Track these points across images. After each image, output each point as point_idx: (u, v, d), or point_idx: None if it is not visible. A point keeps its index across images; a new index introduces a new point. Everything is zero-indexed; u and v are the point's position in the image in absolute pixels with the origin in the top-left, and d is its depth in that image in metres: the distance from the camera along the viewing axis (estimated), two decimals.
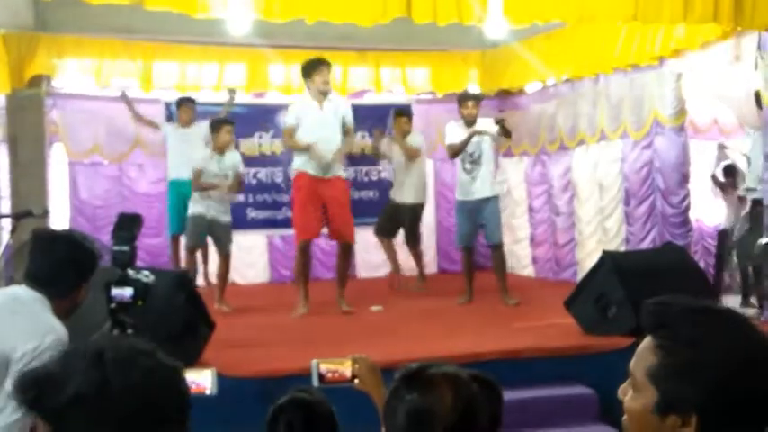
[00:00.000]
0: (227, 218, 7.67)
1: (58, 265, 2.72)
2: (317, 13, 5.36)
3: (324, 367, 2.48)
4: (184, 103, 8.50)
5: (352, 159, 9.38)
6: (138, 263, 3.38)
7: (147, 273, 3.11)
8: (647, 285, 5.27)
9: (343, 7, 5.36)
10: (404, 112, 8.85)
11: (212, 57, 8.85)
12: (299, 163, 6.97)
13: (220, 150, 7.56)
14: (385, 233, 8.89)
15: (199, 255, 7.98)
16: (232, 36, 7.09)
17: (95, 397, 1.30)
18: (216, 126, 7.64)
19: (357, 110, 8.87)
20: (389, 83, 9.51)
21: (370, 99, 9.76)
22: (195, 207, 7.57)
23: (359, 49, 9.10)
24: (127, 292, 3.01)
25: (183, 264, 7.90)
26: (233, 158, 7.70)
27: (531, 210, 9.72)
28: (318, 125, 6.83)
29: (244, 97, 9.30)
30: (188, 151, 8.08)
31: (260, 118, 9.55)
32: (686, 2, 5.78)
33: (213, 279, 8.17)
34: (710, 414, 1.35)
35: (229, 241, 7.71)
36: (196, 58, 8.82)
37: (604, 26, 7.43)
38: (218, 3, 5.14)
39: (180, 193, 8.10)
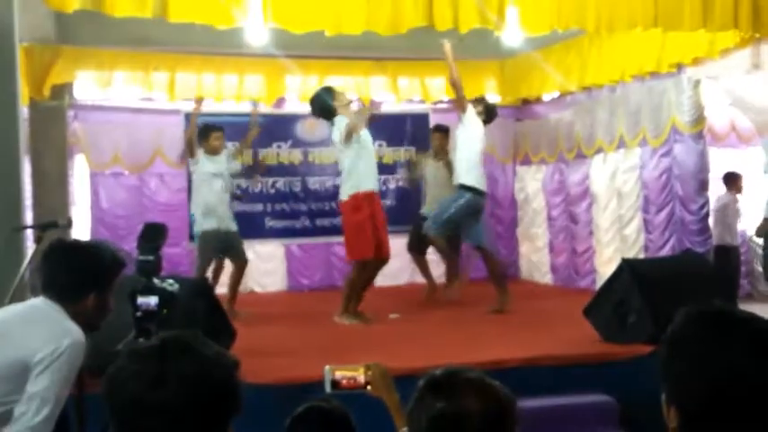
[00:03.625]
0: (235, 226, 7.64)
1: (61, 272, 2.79)
2: (336, 26, 5.41)
3: (338, 374, 2.50)
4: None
5: None
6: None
7: (171, 281, 3.16)
8: (666, 293, 5.26)
9: (363, 18, 5.40)
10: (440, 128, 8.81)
11: (231, 67, 8.91)
12: (357, 182, 6.85)
13: (213, 152, 7.56)
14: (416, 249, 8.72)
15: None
16: (251, 47, 7.14)
17: (153, 389, 1.39)
18: (204, 132, 7.59)
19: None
20: (408, 92, 9.54)
21: (387, 108, 9.79)
22: (208, 222, 7.39)
23: (377, 59, 9.14)
24: (152, 300, 3.05)
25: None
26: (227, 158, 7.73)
27: (549, 218, 9.71)
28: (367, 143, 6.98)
29: (262, 108, 9.36)
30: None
31: (278, 128, 9.61)
32: (706, 9, 5.79)
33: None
34: (683, 408, 1.45)
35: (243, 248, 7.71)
36: (215, 69, 8.88)
37: (622, 34, 7.43)
38: (241, 14, 5.20)
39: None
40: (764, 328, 1.47)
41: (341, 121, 6.90)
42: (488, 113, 7.56)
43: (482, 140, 7.38)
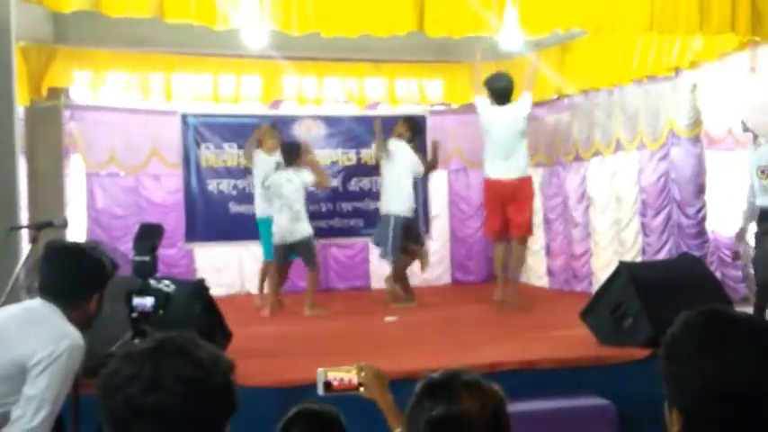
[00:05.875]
0: None
1: (65, 276, 2.78)
2: (332, 28, 5.40)
3: (330, 375, 2.50)
4: (273, 127, 8.30)
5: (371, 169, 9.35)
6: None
7: (167, 282, 3.14)
8: (663, 296, 5.24)
9: (359, 21, 5.39)
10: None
11: (229, 68, 8.90)
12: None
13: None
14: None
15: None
16: (248, 48, 7.13)
17: (149, 391, 1.37)
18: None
19: (370, 120, 8.90)
20: (404, 94, 9.53)
21: (384, 110, 9.78)
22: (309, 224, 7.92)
23: (374, 61, 9.13)
24: (148, 301, 3.03)
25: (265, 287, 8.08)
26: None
27: (546, 221, 9.70)
28: None
29: (259, 109, 9.34)
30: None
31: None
32: (702, 12, 5.78)
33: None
34: (685, 411, 1.45)
35: None
36: (213, 70, 8.87)
37: (619, 38, 7.43)
38: (238, 15, 5.18)
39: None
40: (763, 329, 1.47)
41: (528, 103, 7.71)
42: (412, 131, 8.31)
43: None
